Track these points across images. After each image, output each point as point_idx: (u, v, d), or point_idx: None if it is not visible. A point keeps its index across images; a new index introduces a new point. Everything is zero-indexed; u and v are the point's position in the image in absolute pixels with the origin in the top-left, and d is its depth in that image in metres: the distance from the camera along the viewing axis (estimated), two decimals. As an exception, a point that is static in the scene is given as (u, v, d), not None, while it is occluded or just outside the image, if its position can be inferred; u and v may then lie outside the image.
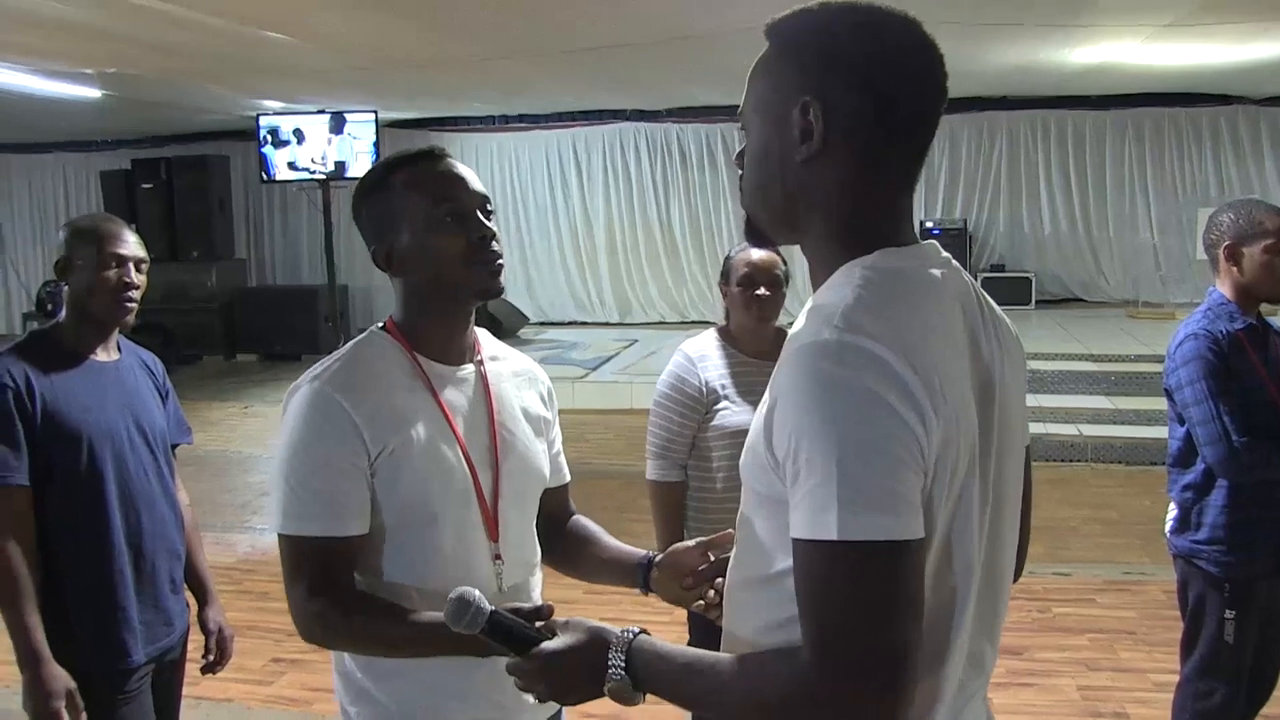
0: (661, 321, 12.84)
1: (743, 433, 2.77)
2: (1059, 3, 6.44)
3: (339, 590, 1.62)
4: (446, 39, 7.26)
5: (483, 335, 1.84)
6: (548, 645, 1.31)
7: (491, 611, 1.36)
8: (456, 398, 1.74)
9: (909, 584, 1.04)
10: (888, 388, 1.04)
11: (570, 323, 13.09)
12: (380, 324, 1.77)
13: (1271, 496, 2.78)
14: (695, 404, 2.86)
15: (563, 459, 1.98)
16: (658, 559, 1.79)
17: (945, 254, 1.25)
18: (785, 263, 2.90)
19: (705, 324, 3.06)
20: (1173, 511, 2.92)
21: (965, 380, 1.14)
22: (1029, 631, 4.37)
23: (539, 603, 1.46)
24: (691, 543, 1.77)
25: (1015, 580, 1.37)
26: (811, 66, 1.18)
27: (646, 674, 1.21)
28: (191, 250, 12.40)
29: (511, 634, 1.36)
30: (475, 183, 1.72)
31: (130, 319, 2.40)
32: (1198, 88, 10.93)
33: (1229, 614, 2.78)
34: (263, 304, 12.64)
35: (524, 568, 1.81)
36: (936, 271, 1.20)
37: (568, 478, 1.99)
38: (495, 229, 1.71)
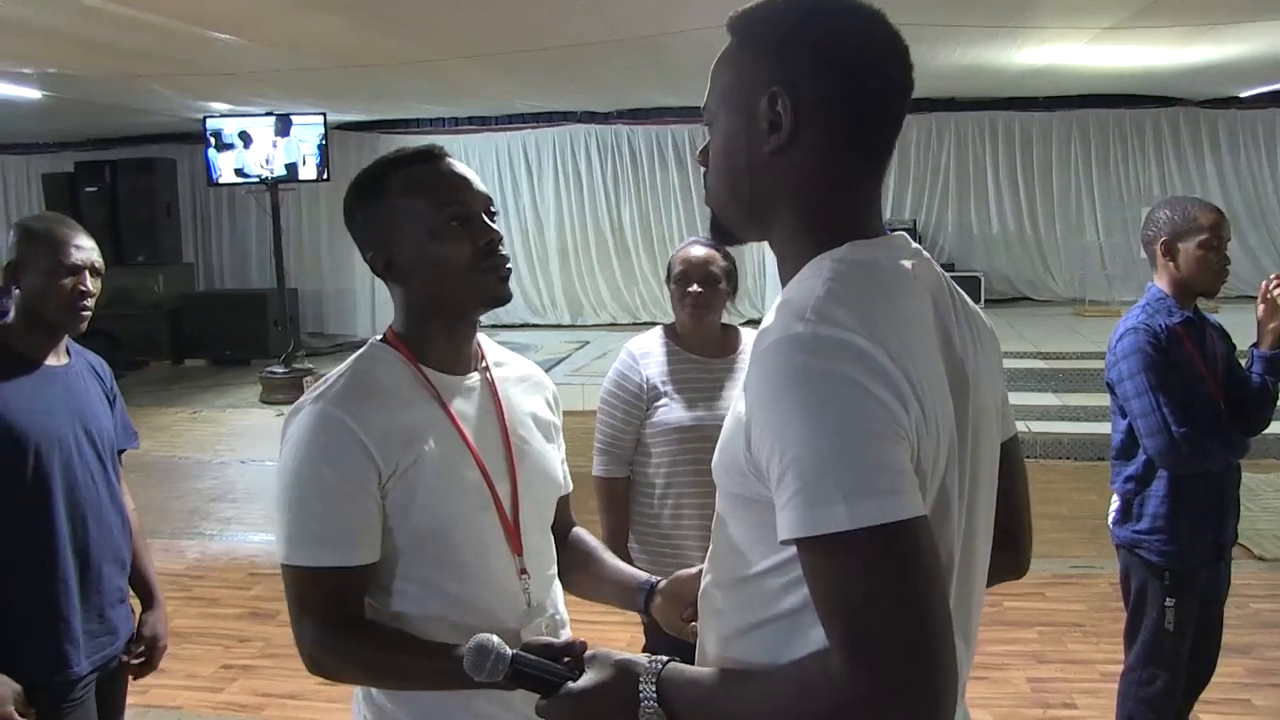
0: (613, 323, 12.82)
1: (683, 429, 2.82)
2: (1004, 4, 6.52)
3: (353, 624, 1.54)
4: (396, 40, 7.20)
5: (484, 341, 1.75)
6: (576, 684, 1.25)
7: (513, 656, 1.31)
8: (466, 408, 1.65)
9: (930, 561, 0.99)
10: (865, 374, 1.00)
11: (522, 325, 12.98)
12: (379, 336, 1.68)
13: (1210, 486, 2.84)
14: (637, 400, 2.88)
15: (566, 467, 1.86)
16: (660, 585, 1.71)
17: (915, 245, 1.23)
18: (730, 261, 2.90)
19: (657, 325, 3.08)
20: (1115, 502, 2.97)
21: (940, 371, 1.11)
22: (979, 626, 4.41)
23: (570, 638, 1.38)
24: (694, 570, 1.67)
25: (1022, 574, 1.36)
26: (779, 56, 1.15)
27: (680, 702, 1.16)
28: (137, 254, 12.22)
29: (536, 676, 1.30)
30: (478, 183, 1.64)
31: (84, 326, 2.33)
32: (1141, 90, 11.14)
33: (1169, 602, 2.84)
34: (211, 308, 12.50)
35: (547, 581, 1.74)
36: (907, 262, 1.18)
37: (570, 487, 1.88)
38: (501, 232, 1.63)
